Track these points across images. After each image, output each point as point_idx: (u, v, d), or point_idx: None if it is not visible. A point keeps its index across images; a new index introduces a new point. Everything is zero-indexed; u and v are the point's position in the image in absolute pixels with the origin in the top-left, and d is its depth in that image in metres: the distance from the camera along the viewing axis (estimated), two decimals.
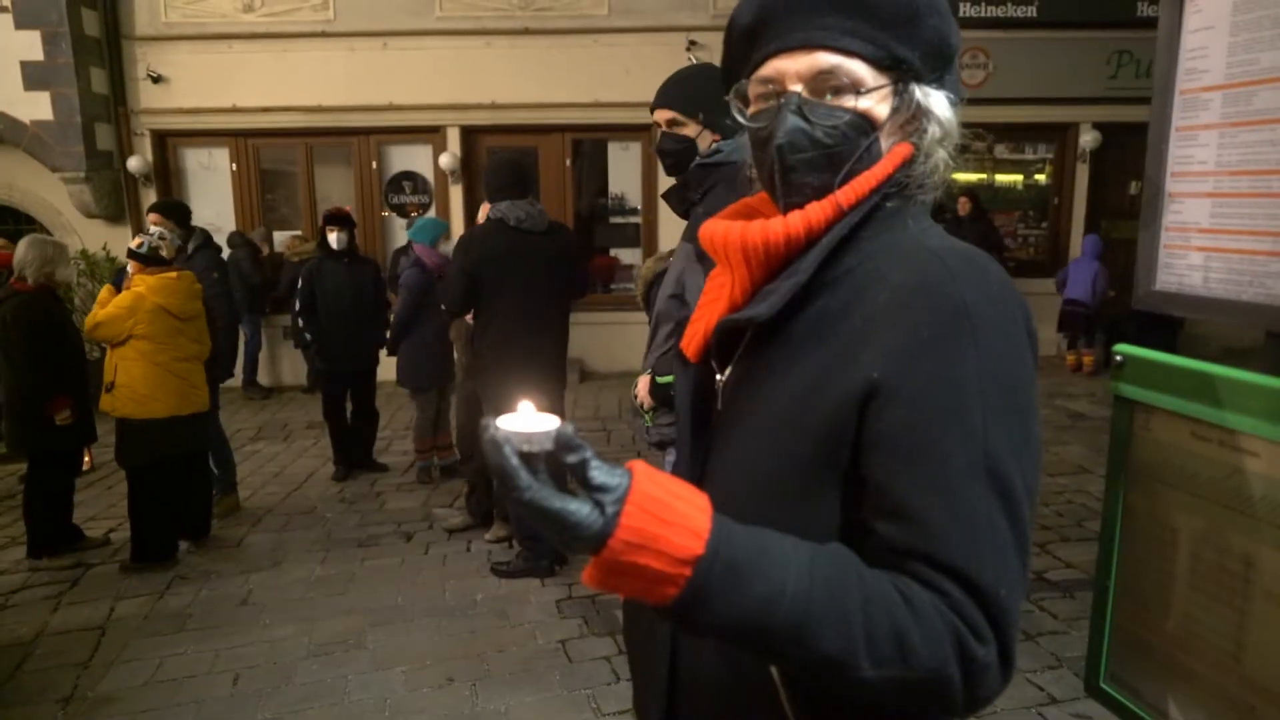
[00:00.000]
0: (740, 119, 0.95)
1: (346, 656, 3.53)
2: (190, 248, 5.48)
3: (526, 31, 8.57)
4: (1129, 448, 0.99)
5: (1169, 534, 0.94)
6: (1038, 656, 3.40)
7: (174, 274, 4.32)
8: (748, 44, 0.93)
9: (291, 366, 8.93)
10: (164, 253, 4.30)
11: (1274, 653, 0.82)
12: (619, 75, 8.35)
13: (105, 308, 4.24)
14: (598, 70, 8.53)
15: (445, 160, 8.69)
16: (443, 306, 4.48)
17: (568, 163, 9.06)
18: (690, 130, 2.11)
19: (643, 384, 2.09)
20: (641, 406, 2.09)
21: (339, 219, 5.63)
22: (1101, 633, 1.00)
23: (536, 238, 3.95)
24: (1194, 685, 0.91)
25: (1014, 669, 0.77)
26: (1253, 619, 0.84)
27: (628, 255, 9.34)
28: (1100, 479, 5.54)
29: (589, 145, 9.22)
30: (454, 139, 8.80)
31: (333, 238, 5.54)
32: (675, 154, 2.12)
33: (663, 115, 2.13)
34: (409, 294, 5.21)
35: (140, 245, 4.30)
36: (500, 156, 4.30)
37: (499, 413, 0.68)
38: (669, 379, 1.88)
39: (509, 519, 4.54)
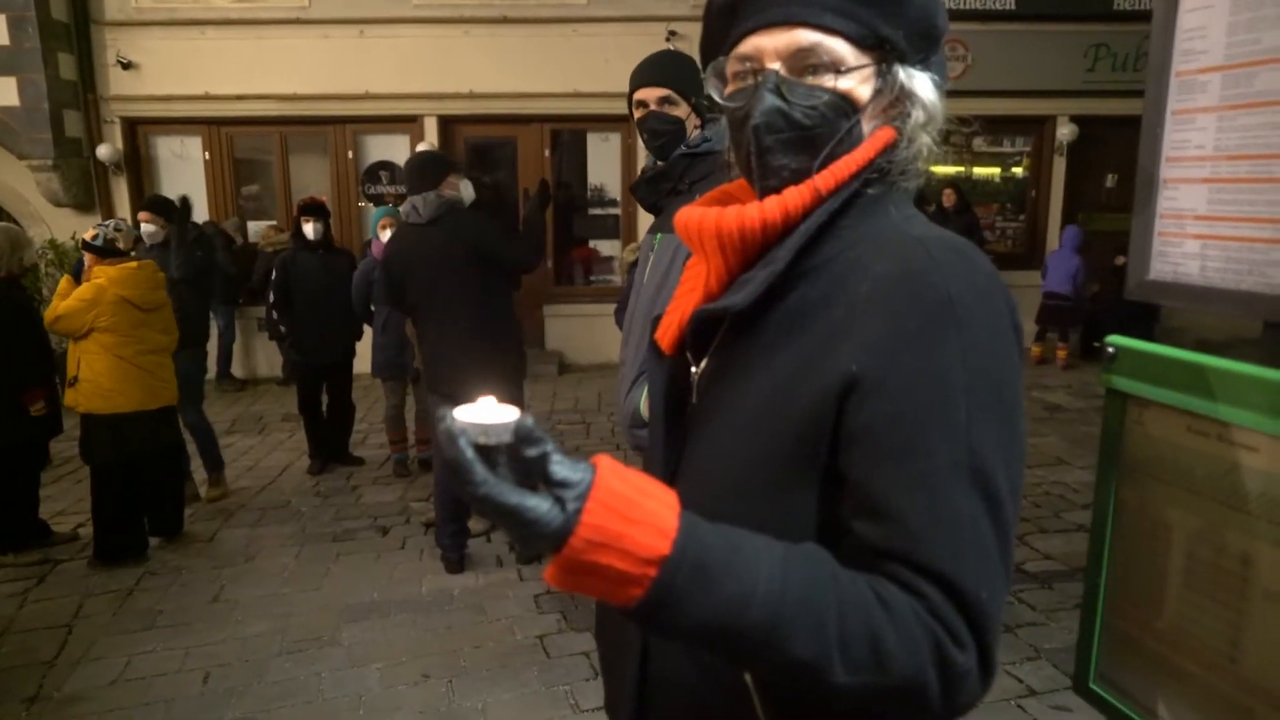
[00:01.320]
0: (717, 98, 0.91)
1: (320, 653, 3.47)
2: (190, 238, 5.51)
3: (505, 20, 8.48)
4: (1121, 442, 0.97)
5: (1163, 531, 0.92)
6: (1016, 648, 3.41)
7: (134, 264, 4.22)
8: (727, 20, 0.90)
9: (266, 358, 8.81)
10: (120, 244, 4.19)
11: (1273, 653, 0.80)
12: (598, 65, 8.28)
13: (65, 300, 4.12)
14: (577, 60, 8.45)
15: (423, 150, 8.59)
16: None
17: (546, 153, 8.99)
18: (681, 112, 2.02)
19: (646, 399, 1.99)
20: (645, 417, 1.95)
21: (314, 209, 5.55)
22: (1091, 631, 0.98)
23: (423, 229, 3.89)
24: (1188, 686, 0.89)
25: (995, 675, 0.74)
26: (1251, 619, 0.81)
27: (607, 246, 9.29)
28: (1078, 470, 5.60)
29: (568, 136, 9.15)
30: (431, 129, 8.69)
31: (308, 228, 5.47)
32: (666, 135, 2.02)
33: (654, 93, 2.03)
34: (355, 282, 5.40)
35: (95, 237, 4.20)
36: (410, 156, 4.27)
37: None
38: None
39: None
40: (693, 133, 2.02)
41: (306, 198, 5.87)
